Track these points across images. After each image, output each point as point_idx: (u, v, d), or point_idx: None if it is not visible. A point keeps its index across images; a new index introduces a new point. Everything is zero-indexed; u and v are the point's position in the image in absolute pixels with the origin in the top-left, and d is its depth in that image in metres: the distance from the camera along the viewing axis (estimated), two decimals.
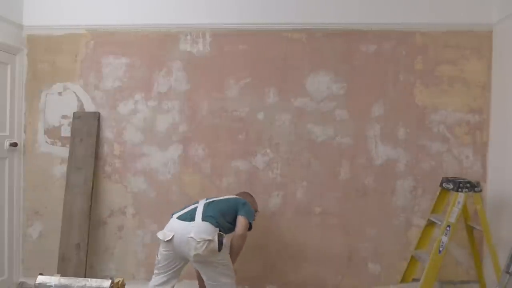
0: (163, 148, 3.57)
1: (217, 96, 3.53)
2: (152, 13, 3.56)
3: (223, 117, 3.53)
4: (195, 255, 2.63)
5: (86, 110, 3.62)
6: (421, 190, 3.41)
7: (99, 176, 3.59)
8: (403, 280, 3.17)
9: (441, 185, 3.05)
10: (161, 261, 2.80)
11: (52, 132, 3.65)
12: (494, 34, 3.35)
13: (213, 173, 3.53)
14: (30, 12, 3.64)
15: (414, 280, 3.11)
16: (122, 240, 3.60)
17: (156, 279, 2.82)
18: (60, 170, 3.62)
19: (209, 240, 2.62)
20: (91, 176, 3.50)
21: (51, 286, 2.28)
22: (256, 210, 3.08)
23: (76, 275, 3.29)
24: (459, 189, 2.83)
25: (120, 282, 2.36)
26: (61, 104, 3.64)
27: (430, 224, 3.10)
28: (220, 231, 2.70)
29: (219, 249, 2.63)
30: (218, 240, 2.63)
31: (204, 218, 2.72)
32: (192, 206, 2.87)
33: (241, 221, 2.81)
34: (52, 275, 2.38)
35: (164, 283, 2.80)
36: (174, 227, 2.74)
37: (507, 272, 2.53)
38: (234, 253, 2.85)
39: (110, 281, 2.27)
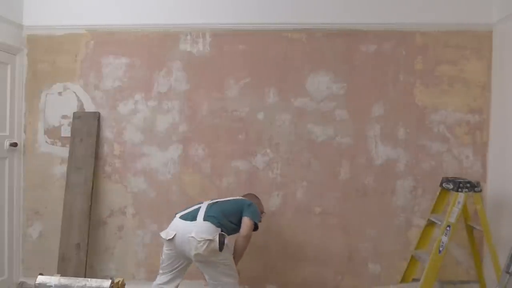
0: (163, 148, 3.57)
1: (217, 96, 3.53)
2: (152, 13, 3.56)
3: (223, 117, 3.53)
4: (196, 254, 2.63)
5: (86, 110, 3.62)
6: (421, 190, 3.41)
7: (99, 176, 3.60)
8: (403, 280, 3.16)
9: (441, 185, 3.05)
10: (165, 261, 2.82)
11: (52, 132, 3.66)
12: (494, 34, 3.35)
13: (213, 173, 3.54)
14: (30, 12, 3.65)
15: (414, 280, 3.11)
16: (122, 240, 3.60)
17: (160, 278, 2.84)
18: (60, 170, 3.63)
19: (210, 240, 2.62)
20: (91, 176, 3.50)
21: (51, 286, 2.28)
22: (262, 212, 3.08)
23: (76, 275, 3.29)
24: (459, 189, 2.82)
25: (120, 282, 2.36)
26: (61, 104, 3.64)
27: (430, 224, 3.09)
28: (222, 231, 2.70)
29: (220, 249, 2.63)
30: (219, 240, 2.63)
31: (205, 218, 2.72)
32: (196, 206, 2.87)
33: (246, 222, 2.82)
34: (52, 275, 2.38)
35: (167, 282, 2.81)
36: (177, 226, 2.75)
37: (507, 272, 2.52)
38: (237, 254, 2.85)
39: (110, 281, 2.27)
